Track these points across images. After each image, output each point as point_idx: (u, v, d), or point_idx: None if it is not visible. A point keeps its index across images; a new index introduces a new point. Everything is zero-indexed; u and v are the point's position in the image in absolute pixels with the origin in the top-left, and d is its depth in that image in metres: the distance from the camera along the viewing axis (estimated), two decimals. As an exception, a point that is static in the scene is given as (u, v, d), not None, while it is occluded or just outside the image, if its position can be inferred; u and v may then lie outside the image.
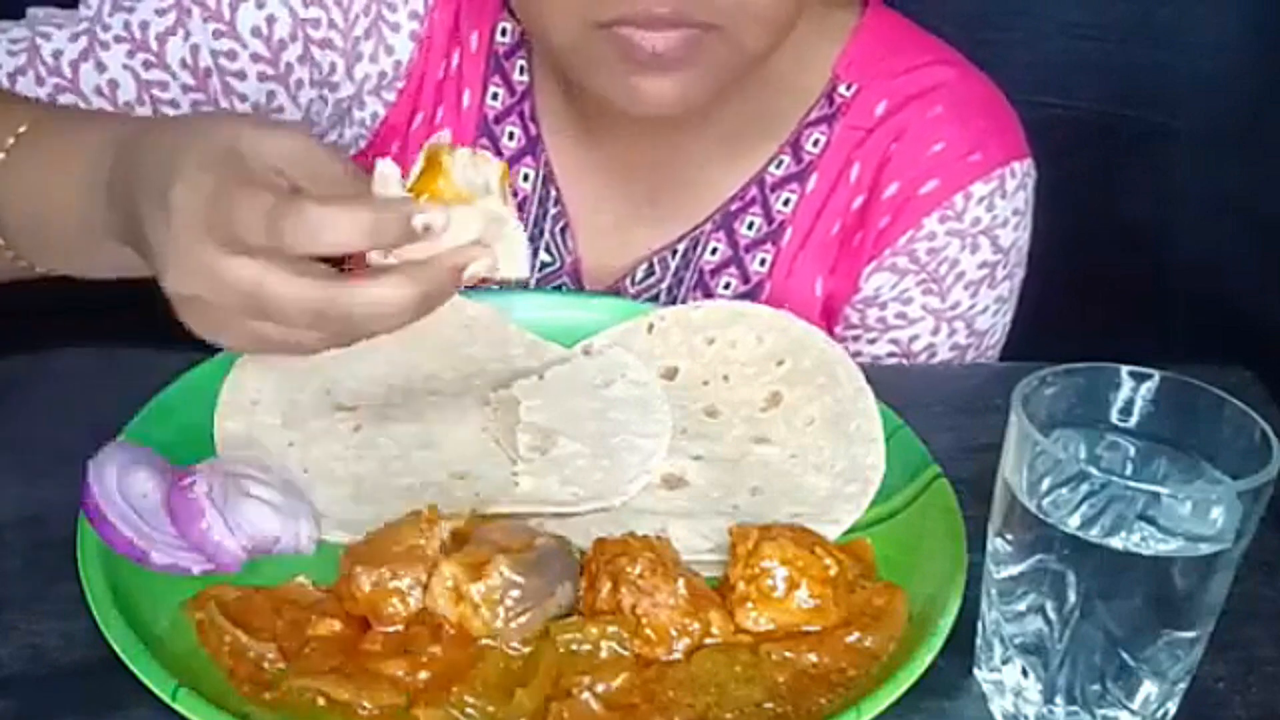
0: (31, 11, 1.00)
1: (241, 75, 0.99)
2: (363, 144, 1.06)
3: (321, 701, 0.65)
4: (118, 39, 0.97)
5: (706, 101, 0.91)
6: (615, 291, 1.05)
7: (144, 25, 0.98)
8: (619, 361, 0.89)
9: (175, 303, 0.70)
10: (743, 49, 0.88)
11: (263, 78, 1.00)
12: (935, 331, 1.05)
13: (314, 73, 1.02)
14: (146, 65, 0.98)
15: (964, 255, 1.02)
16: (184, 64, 0.98)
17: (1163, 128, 1.36)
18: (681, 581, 0.70)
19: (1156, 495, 0.62)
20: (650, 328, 0.93)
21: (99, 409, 0.83)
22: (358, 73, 1.02)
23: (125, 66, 0.97)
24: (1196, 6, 1.33)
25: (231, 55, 0.99)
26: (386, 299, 0.68)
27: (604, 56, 0.87)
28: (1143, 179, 1.38)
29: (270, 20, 0.99)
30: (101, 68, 0.97)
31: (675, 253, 1.05)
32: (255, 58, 1.00)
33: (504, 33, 1.04)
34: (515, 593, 0.68)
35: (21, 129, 0.82)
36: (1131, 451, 0.69)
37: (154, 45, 0.97)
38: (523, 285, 0.87)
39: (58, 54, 0.98)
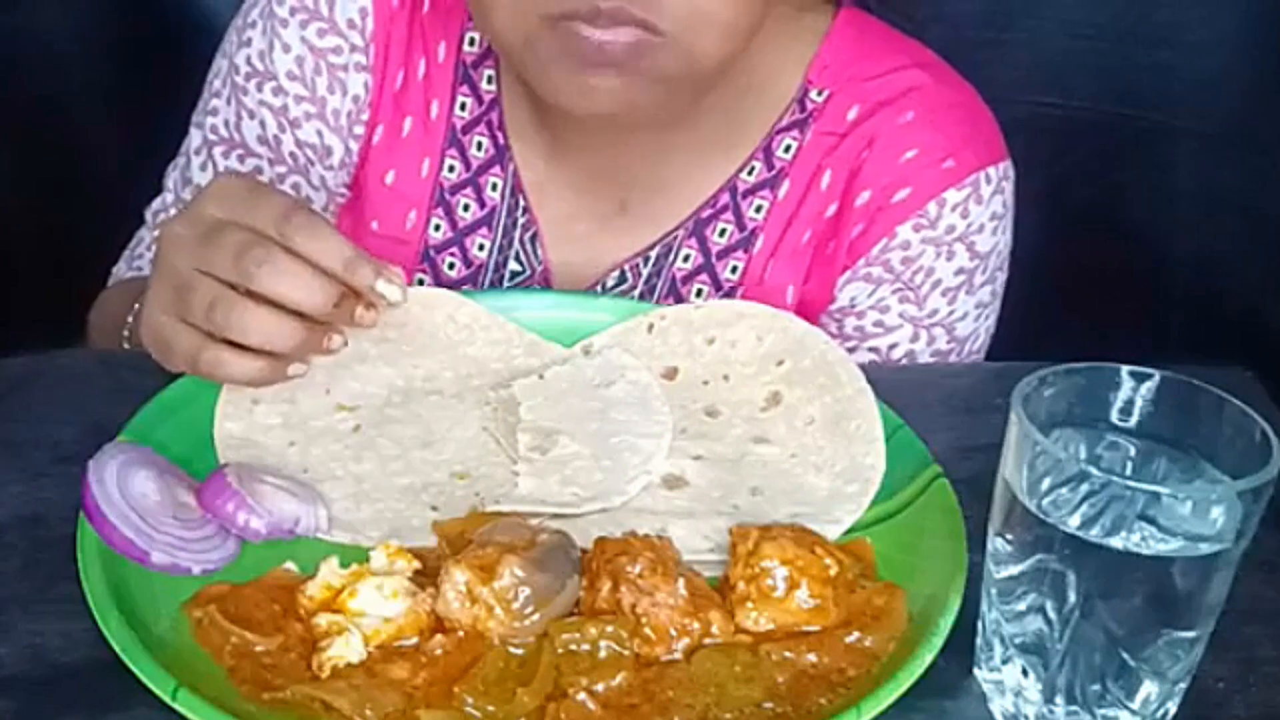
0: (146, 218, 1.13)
1: (274, 184, 1.06)
2: (345, 175, 1.09)
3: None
4: None
5: (658, 108, 0.92)
6: None
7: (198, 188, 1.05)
8: (619, 361, 0.89)
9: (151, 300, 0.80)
10: (692, 58, 0.88)
11: (282, 179, 1.07)
12: (914, 339, 1.04)
13: (311, 152, 1.07)
14: None
15: (940, 263, 1.02)
16: None
17: (1162, 127, 1.36)
18: (681, 581, 0.70)
19: (1156, 495, 0.62)
20: (650, 328, 0.92)
21: (99, 409, 0.83)
22: (333, 123, 1.06)
23: None
24: (1196, 6, 1.33)
25: (258, 171, 1.06)
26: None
27: (553, 53, 0.87)
28: (1142, 178, 1.38)
29: (263, 124, 1.06)
30: None
31: (647, 260, 1.05)
32: (271, 162, 1.06)
33: (471, 42, 1.05)
34: (526, 591, 0.68)
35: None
36: (1131, 451, 0.69)
37: None
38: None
39: None
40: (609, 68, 0.87)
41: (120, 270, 1.14)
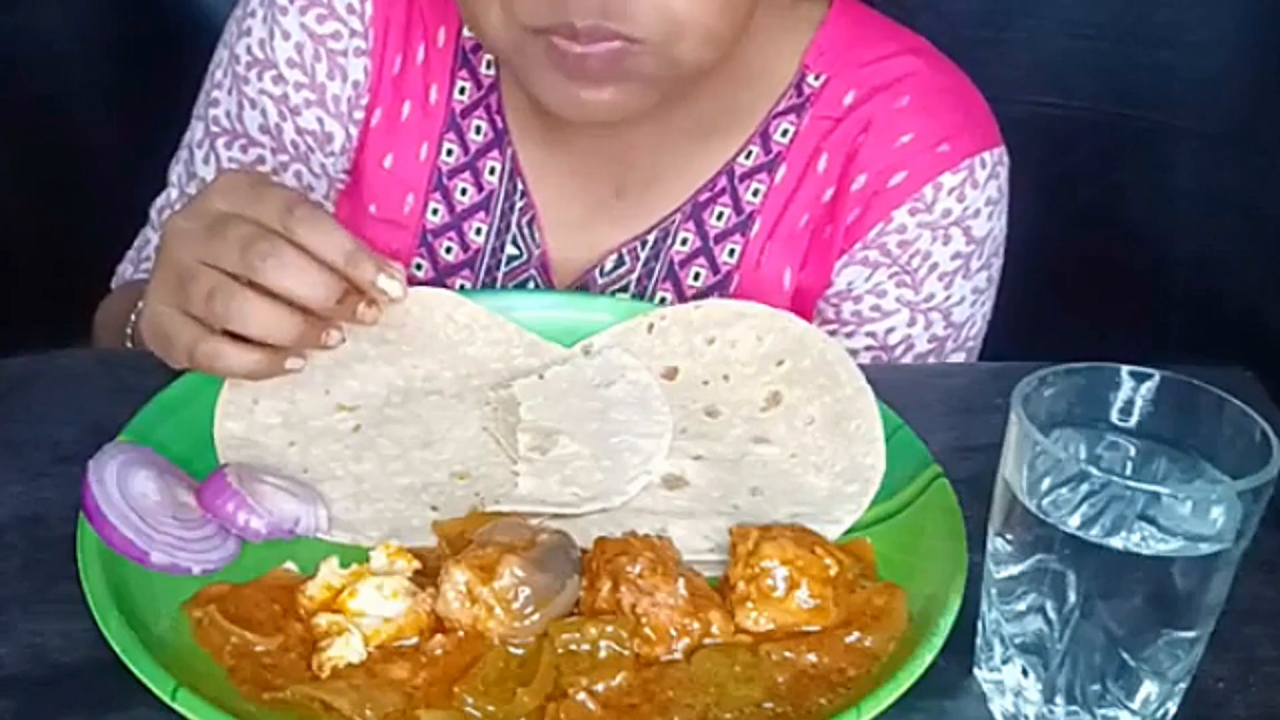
0: (151, 215, 1.13)
1: (275, 172, 1.07)
2: (345, 161, 1.09)
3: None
4: None
5: (649, 108, 0.93)
6: (584, 284, 1.06)
7: (203, 182, 1.07)
8: (619, 361, 0.89)
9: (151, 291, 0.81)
10: (675, 62, 0.88)
11: (284, 168, 1.07)
12: (911, 324, 1.04)
13: (312, 139, 1.07)
14: None
15: (936, 247, 1.02)
16: None
17: (1162, 127, 1.36)
18: (681, 581, 0.70)
19: (1156, 495, 0.62)
20: (650, 328, 0.93)
21: (99, 409, 0.83)
22: (333, 109, 1.06)
23: None
24: (1196, 6, 1.33)
25: (260, 161, 1.07)
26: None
27: (540, 62, 0.88)
28: (1142, 178, 1.38)
29: (264, 113, 1.06)
30: None
31: (645, 244, 1.05)
32: (273, 151, 1.07)
33: None
34: (526, 591, 0.69)
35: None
36: (1131, 451, 0.69)
37: None
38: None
39: None
40: (595, 81, 0.88)
41: (126, 271, 1.14)
